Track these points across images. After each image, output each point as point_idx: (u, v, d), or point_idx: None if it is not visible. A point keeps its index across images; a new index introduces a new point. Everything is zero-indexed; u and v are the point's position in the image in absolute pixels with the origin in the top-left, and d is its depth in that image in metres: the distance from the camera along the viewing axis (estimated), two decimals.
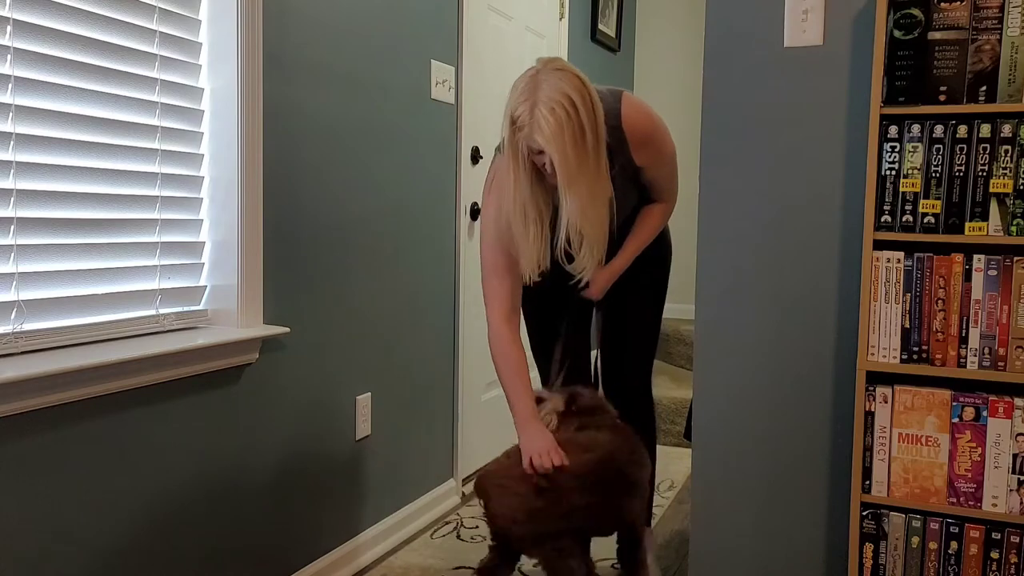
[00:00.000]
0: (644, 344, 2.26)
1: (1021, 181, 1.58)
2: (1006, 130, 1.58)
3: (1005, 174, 1.58)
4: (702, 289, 1.94)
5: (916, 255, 1.64)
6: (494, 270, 1.96)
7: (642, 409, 2.26)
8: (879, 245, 1.66)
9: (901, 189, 1.64)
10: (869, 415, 1.67)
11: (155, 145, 1.79)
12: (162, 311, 1.83)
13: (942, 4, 1.60)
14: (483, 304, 2.02)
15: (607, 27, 4.25)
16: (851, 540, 1.69)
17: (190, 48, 1.87)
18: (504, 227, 1.90)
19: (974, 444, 1.62)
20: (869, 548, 1.69)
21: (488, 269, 1.98)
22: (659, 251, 2.24)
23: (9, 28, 1.49)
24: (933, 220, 1.63)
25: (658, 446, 3.61)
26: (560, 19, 3.71)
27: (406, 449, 2.61)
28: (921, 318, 1.64)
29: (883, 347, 1.67)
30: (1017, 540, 1.60)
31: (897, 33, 1.63)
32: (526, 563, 2.30)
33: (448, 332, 2.85)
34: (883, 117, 1.64)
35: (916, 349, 1.65)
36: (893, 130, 1.64)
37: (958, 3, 1.59)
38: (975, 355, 1.62)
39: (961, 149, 1.61)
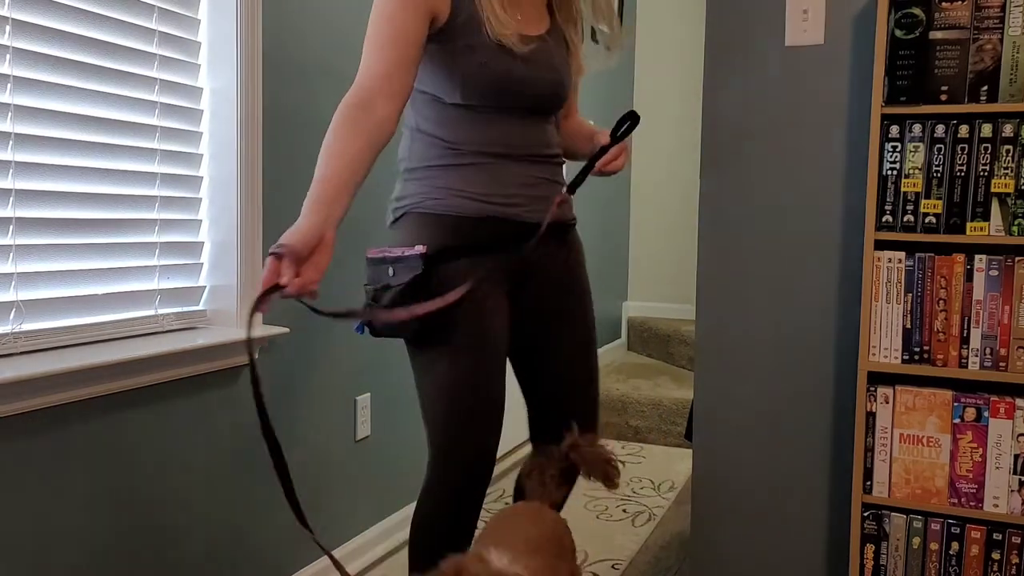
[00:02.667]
0: (596, 387, 1.62)
1: (1022, 181, 1.58)
2: (1007, 130, 1.57)
3: (1007, 174, 1.58)
4: (703, 289, 1.94)
5: (917, 255, 1.64)
6: (393, 42, 1.35)
7: None
8: (880, 245, 1.66)
9: (902, 189, 1.64)
10: (870, 415, 1.67)
11: (154, 145, 1.79)
12: (161, 311, 1.83)
13: (943, 3, 1.60)
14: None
15: None
16: (852, 541, 1.69)
17: (189, 47, 1.87)
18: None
19: (975, 445, 1.61)
20: (870, 549, 1.68)
21: (382, 39, 1.35)
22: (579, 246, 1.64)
23: (8, 28, 1.49)
24: (934, 220, 1.63)
25: (659, 446, 3.62)
26: None
27: (406, 449, 2.61)
28: (922, 318, 1.64)
29: (884, 347, 1.67)
30: (1018, 541, 1.60)
31: (898, 32, 1.63)
32: None
33: None
34: (884, 117, 1.64)
35: (917, 349, 1.65)
36: (894, 130, 1.64)
37: (959, 2, 1.59)
38: (976, 355, 1.61)
39: (962, 149, 1.60)
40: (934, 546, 1.65)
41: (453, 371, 1.44)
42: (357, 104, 1.32)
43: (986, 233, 1.60)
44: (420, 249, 1.40)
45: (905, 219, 1.64)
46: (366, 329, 1.48)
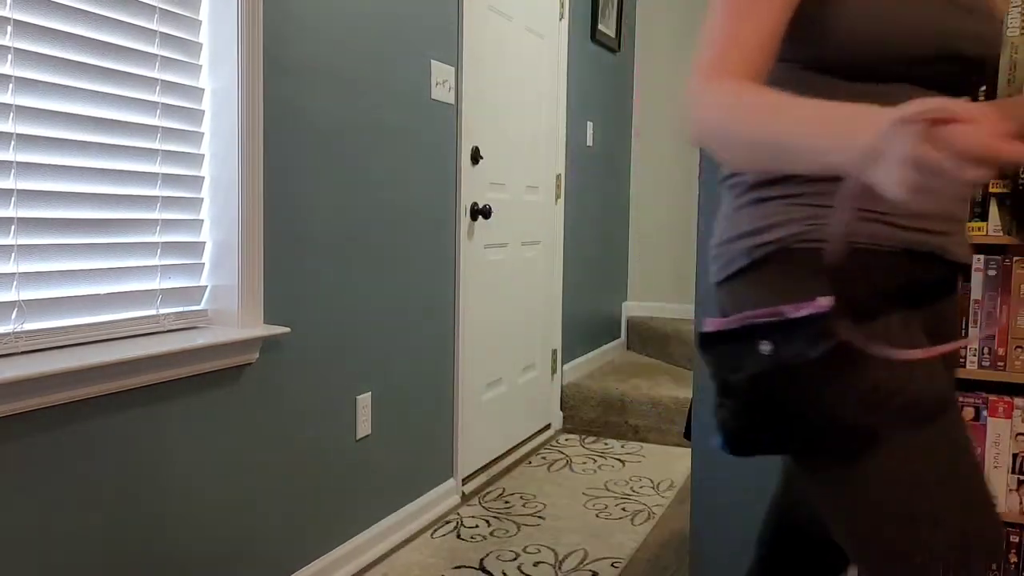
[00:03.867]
0: None
1: (1021, 182, 1.58)
2: None
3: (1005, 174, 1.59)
4: (702, 289, 1.95)
5: None
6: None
7: None
8: None
9: None
10: None
11: (155, 145, 1.79)
12: (162, 311, 1.83)
13: None
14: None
15: (607, 27, 4.25)
16: None
17: (190, 48, 1.87)
18: None
19: (974, 444, 1.62)
20: None
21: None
22: None
23: (9, 28, 1.49)
24: None
25: (658, 445, 3.63)
26: (560, 19, 3.71)
27: (406, 449, 2.61)
28: None
29: None
30: (1017, 540, 1.60)
31: None
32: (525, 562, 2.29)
33: (448, 332, 2.85)
34: None
35: None
36: None
37: None
38: (975, 355, 1.62)
39: None
40: None
41: (929, 457, 0.95)
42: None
43: (984, 233, 1.60)
44: (825, 304, 0.86)
45: None
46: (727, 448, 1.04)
